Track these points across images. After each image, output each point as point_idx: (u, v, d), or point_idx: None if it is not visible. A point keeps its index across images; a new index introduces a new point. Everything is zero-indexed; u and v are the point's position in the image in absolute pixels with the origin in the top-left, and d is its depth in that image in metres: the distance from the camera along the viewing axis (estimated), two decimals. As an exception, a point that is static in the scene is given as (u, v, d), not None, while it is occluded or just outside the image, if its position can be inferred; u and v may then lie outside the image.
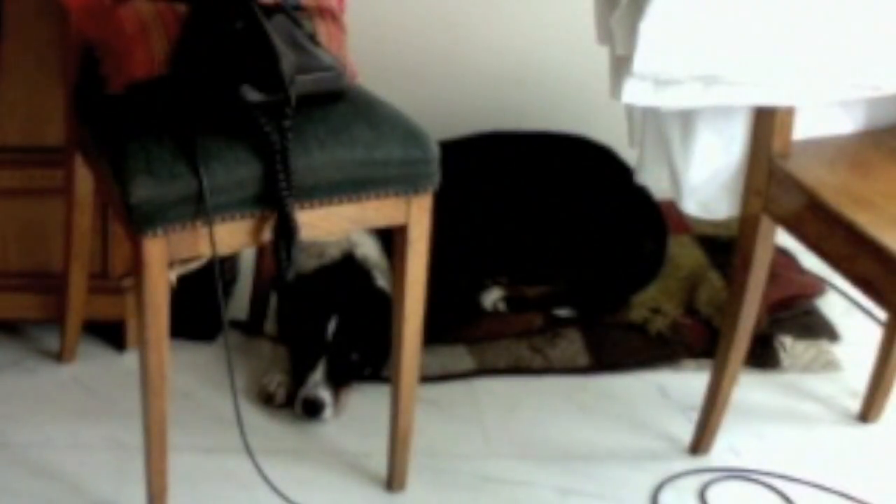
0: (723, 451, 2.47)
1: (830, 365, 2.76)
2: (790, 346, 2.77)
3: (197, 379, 2.59)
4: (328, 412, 2.49)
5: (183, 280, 2.11)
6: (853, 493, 2.38)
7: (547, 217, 2.88)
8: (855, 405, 2.62)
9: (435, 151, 2.15)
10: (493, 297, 2.85)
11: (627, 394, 2.66)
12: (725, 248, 2.97)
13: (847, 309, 2.93)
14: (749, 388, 2.63)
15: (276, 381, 2.55)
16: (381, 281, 2.62)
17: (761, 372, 2.72)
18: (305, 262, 2.62)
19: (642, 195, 2.90)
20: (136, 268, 2.05)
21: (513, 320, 2.80)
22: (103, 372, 2.60)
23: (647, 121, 2.35)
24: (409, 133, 2.16)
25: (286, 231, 2.06)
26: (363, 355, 2.55)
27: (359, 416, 2.52)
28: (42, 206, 2.53)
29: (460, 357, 2.70)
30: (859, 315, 2.90)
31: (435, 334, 2.55)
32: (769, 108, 2.17)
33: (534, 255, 2.87)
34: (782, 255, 2.98)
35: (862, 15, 2.08)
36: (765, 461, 2.46)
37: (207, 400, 2.53)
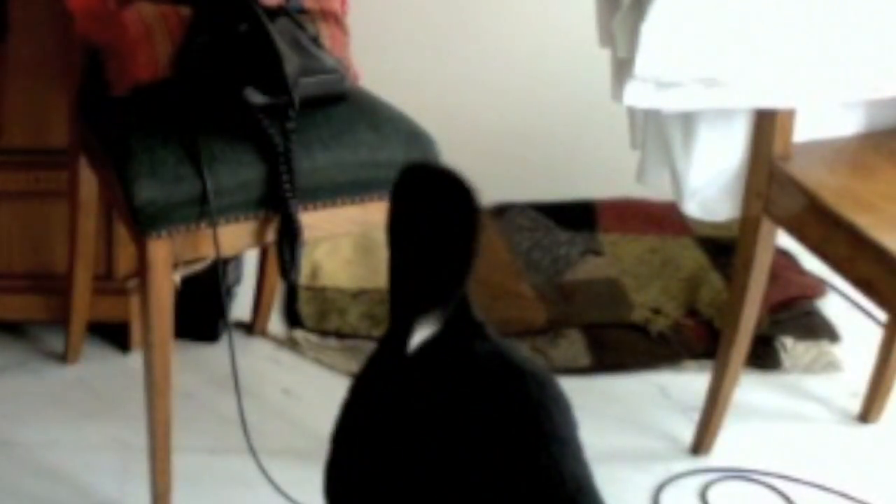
0: (724, 451, 2.48)
1: (831, 365, 2.76)
2: (791, 347, 2.78)
3: (201, 379, 2.60)
4: None
5: (187, 281, 2.12)
6: (853, 493, 2.38)
7: None
8: (855, 405, 2.62)
9: (437, 153, 2.16)
10: None
11: (629, 394, 2.66)
12: (726, 250, 2.97)
13: (847, 310, 2.93)
14: (750, 389, 2.64)
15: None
16: None
17: (762, 372, 2.72)
18: None
19: None
20: (141, 269, 2.06)
21: (515, 320, 2.81)
22: (108, 373, 2.61)
23: (649, 123, 2.36)
24: (411, 135, 2.17)
25: (289, 232, 2.06)
26: None
27: (361, 416, 2.53)
28: (46, 207, 2.53)
29: (462, 358, 2.71)
30: (859, 316, 2.91)
31: None
32: (770, 111, 2.18)
33: None
34: (783, 256, 2.98)
35: (862, 17, 2.08)
36: (765, 461, 2.46)
37: (211, 400, 2.54)
